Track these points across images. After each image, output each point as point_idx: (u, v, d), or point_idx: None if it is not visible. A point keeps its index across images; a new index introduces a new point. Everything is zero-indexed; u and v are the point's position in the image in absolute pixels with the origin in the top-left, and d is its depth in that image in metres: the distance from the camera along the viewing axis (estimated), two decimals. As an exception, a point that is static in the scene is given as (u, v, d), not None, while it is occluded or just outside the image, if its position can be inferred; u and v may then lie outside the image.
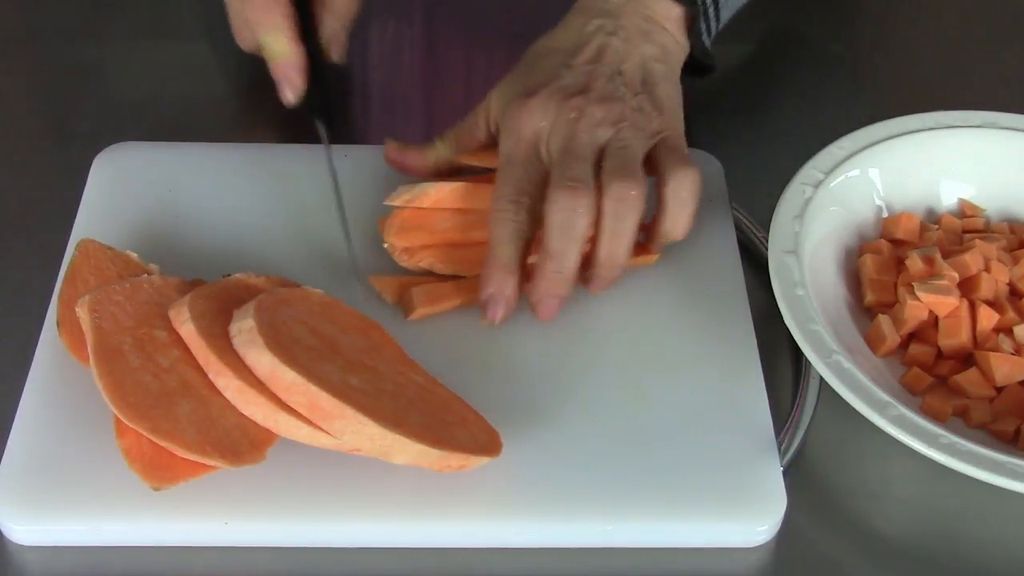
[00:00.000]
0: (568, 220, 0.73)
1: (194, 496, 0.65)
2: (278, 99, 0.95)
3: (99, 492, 0.66)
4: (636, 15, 0.80)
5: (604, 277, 0.75)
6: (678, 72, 0.81)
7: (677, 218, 0.76)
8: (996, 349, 0.74)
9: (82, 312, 0.67)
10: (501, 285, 0.74)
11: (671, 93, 0.79)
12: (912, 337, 0.76)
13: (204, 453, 0.63)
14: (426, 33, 0.86)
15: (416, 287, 0.75)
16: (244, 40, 0.82)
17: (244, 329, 0.65)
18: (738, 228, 0.83)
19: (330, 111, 0.82)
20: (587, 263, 0.75)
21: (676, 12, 0.81)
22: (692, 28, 0.81)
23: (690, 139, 0.79)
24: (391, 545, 0.67)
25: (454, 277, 0.77)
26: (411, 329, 0.75)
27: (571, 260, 0.73)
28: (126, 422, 0.63)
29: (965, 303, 0.75)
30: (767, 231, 0.78)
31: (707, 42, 0.83)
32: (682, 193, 0.76)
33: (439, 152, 0.81)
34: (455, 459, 0.66)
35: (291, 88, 0.81)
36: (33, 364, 0.73)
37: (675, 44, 0.81)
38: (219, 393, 0.65)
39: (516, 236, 0.74)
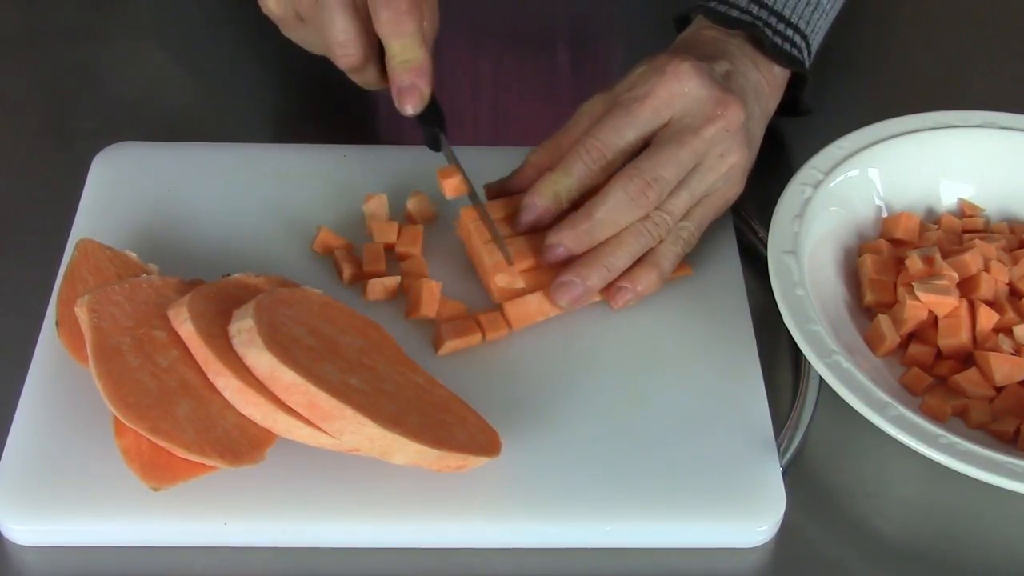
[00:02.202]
0: (627, 203, 0.74)
1: (193, 496, 0.65)
2: (277, 99, 0.95)
3: (98, 492, 0.66)
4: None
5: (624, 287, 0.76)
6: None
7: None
8: (996, 349, 0.74)
9: (81, 312, 0.67)
10: (541, 209, 0.76)
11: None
12: (912, 337, 0.76)
13: (203, 453, 0.63)
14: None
15: (445, 324, 0.75)
16: (350, 56, 0.77)
17: (243, 329, 0.65)
18: (738, 228, 0.83)
19: (443, 119, 0.80)
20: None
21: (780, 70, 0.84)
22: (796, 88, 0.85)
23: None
24: (390, 545, 0.67)
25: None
26: (410, 329, 0.75)
27: (604, 233, 0.75)
28: (125, 422, 0.63)
29: (965, 303, 0.75)
30: (767, 231, 0.78)
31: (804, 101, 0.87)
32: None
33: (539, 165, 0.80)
34: (454, 459, 0.66)
35: (418, 95, 0.77)
36: (32, 364, 0.73)
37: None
38: (218, 393, 0.65)
39: (579, 177, 0.76)
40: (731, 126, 0.77)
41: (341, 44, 0.77)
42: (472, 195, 0.79)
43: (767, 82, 0.82)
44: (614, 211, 0.75)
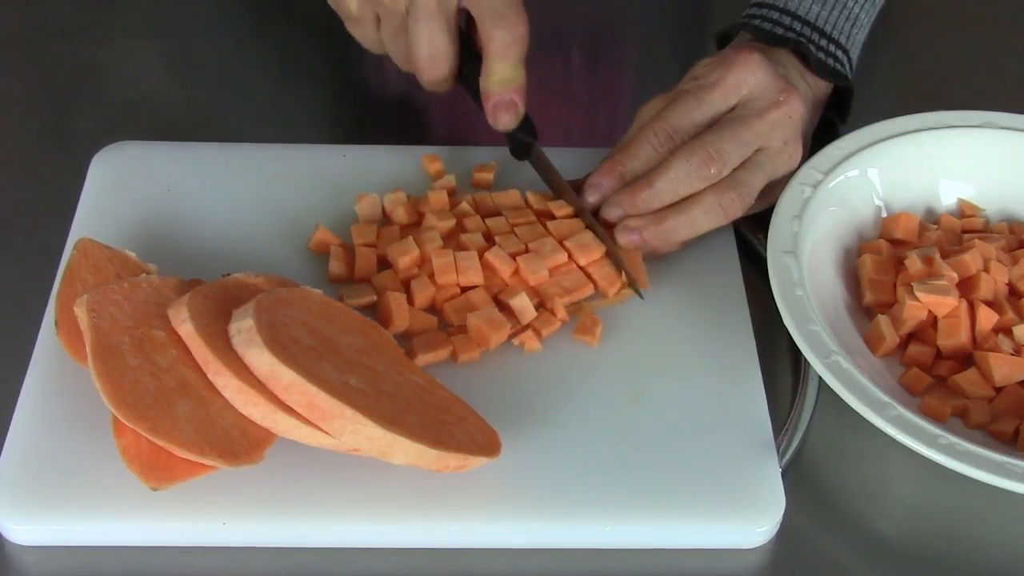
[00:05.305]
0: (687, 174, 0.76)
1: (192, 496, 0.65)
2: (277, 99, 0.94)
3: (97, 492, 0.66)
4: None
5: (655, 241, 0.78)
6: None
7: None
8: (995, 349, 0.74)
9: (80, 312, 0.67)
10: (607, 189, 0.78)
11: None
12: (911, 337, 0.76)
13: (202, 453, 0.63)
14: None
15: (416, 337, 0.74)
16: (438, 71, 0.78)
17: (243, 329, 0.65)
18: (737, 228, 0.83)
19: (535, 130, 0.81)
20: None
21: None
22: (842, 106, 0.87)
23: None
24: (390, 545, 0.67)
25: None
26: (410, 329, 0.75)
27: (663, 201, 0.77)
28: (124, 422, 0.63)
29: (964, 303, 0.75)
30: (766, 231, 0.78)
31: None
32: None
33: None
34: (453, 459, 0.66)
35: (515, 111, 0.79)
36: (31, 364, 0.72)
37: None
38: (218, 393, 0.65)
39: (645, 158, 0.78)
40: (793, 113, 0.79)
41: (432, 59, 0.77)
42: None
43: (814, 93, 0.84)
44: (674, 181, 0.76)
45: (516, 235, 0.79)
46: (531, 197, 0.81)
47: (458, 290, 0.76)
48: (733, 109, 0.79)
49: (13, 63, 0.96)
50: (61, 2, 1.01)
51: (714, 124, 0.78)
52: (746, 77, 0.79)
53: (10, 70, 0.96)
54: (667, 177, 0.76)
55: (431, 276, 0.76)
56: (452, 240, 0.79)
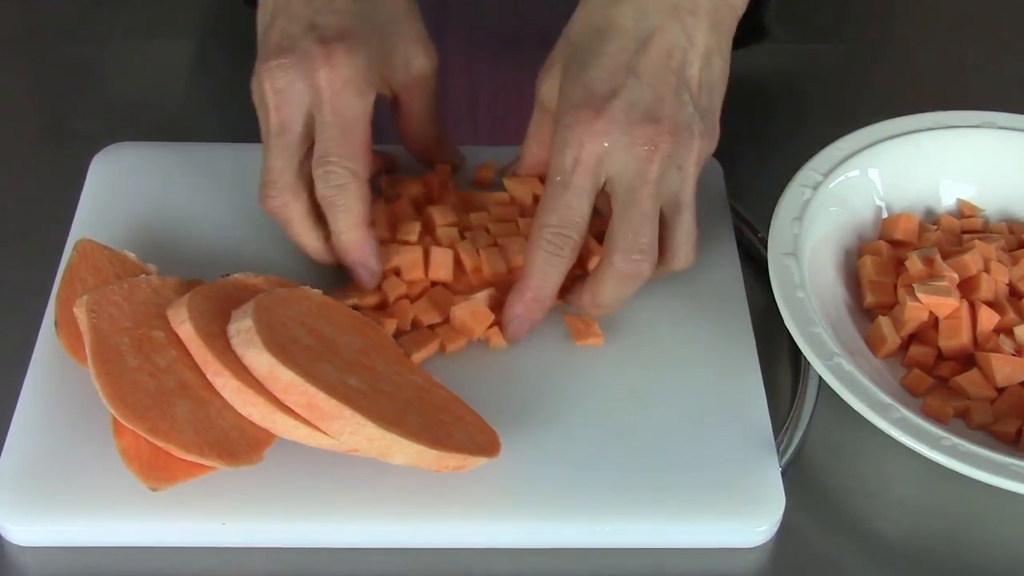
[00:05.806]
0: (619, 291, 0.73)
1: (192, 497, 0.65)
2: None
3: (97, 493, 0.66)
4: None
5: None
6: (729, 53, 0.76)
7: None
8: (997, 350, 0.74)
9: (80, 312, 0.67)
10: (531, 313, 0.74)
11: (722, 93, 0.76)
12: (912, 338, 0.76)
13: (202, 453, 0.63)
14: (436, 38, 0.86)
15: (403, 336, 0.74)
16: (324, 261, 0.77)
17: (242, 329, 0.65)
18: (737, 229, 0.83)
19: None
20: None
21: None
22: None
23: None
24: (389, 545, 0.67)
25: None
26: (410, 329, 0.75)
27: (551, 294, 0.73)
28: (124, 422, 0.63)
29: (965, 304, 0.75)
30: (766, 232, 0.78)
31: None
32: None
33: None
34: (453, 459, 0.66)
35: (371, 273, 0.76)
36: (31, 365, 0.72)
37: (732, 17, 0.76)
38: (217, 393, 0.65)
39: (557, 272, 0.73)
40: (670, 150, 0.71)
41: (314, 252, 0.77)
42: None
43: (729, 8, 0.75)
44: (608, 297, 0.73)
45: (488, 231, 0.79)
46: (508, 184, 0.81)
47: (429, 285, 0.76)
48: (611, 182, 0.71)
49: (13, 63, 0.96)
50: (61, 2, 1.01)
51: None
52: (600, 147, 0.70)
53: (10, 70, 0.96)
54: (598, 294, 0.73)
55: (397, 273, 0.76)
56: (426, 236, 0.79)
